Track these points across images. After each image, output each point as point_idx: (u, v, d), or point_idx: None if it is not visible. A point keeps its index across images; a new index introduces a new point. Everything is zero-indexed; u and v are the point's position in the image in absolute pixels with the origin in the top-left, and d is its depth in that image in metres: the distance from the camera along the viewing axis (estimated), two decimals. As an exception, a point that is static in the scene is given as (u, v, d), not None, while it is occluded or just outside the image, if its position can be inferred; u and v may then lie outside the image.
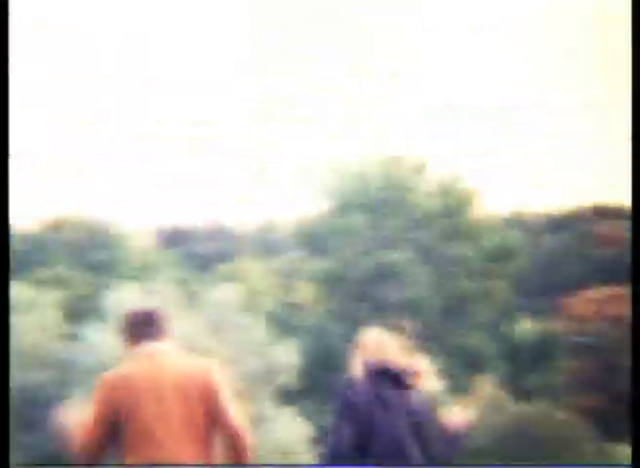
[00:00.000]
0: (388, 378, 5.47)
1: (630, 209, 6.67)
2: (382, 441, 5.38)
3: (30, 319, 28.18)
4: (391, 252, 36.18)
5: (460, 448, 5.61)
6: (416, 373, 5.52)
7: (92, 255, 61.92)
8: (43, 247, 64.69)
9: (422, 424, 5.45)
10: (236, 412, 4.60)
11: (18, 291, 28.99)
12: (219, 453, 4.60)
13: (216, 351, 27.35)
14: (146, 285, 29.59)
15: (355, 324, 33.97)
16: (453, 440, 5.59)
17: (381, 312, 34.48)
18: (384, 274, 35.67)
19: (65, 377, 27.69)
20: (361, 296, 35.56)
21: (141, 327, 4.76)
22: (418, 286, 35.62)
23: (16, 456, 22.42)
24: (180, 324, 28.20)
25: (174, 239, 67.97)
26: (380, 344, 5.57)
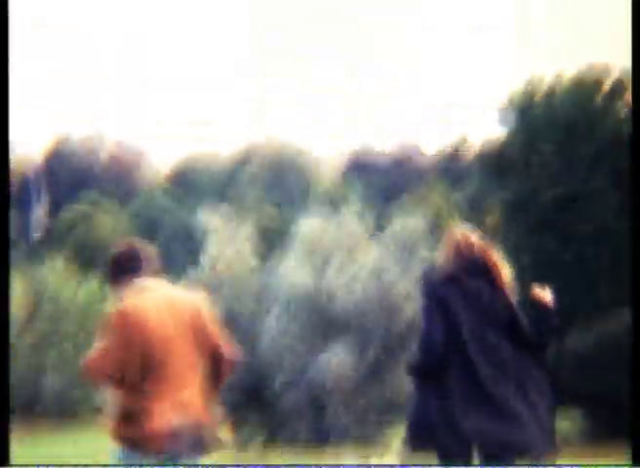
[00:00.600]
0: (475, 272, 5.58)
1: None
2: (468, 333, 5.43)
3: (228, 250, 28.94)
4: (580, 180, 35.35)
5: (555, 324, 5.67)
6: (497, 268, 5.63)
7: (281, 183, 63.09)
8: (234, 174, 66.31)
9: (513, 315, 5.56)
10: (220, 334, 5.21)
11: (211, 221, 29.79)
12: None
13: (399, 283, 27.57)
14: (333, 212, 29.92)
15: (540, 254, 33.54)
16: (547, 315, 5.66)
17: (567, 243, 33.83)
18: (571, 204, 34.92)
19: (259, 308, 28.44)
20: (546, 227, 34.96)
21: (129, 264, 5.14)
22: (606, 215, 34.72)
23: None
24: (366, 254, 28.49)
25: (361, 166, 68.36)
26: (466, 239, 5.70)
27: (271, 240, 34.60)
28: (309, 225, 28.96)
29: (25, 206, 71.55)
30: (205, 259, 29.07)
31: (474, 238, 5.72)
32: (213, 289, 25.97)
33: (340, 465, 5.34)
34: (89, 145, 77.87)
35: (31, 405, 43.78)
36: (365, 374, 26.76)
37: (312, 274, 27.89)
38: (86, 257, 55.51)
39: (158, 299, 5.03)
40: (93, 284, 46.43)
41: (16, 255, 51.95)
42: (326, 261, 28.19)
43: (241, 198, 56.15)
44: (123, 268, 5.14)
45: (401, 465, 5.47)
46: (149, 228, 62.63)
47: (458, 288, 5.51)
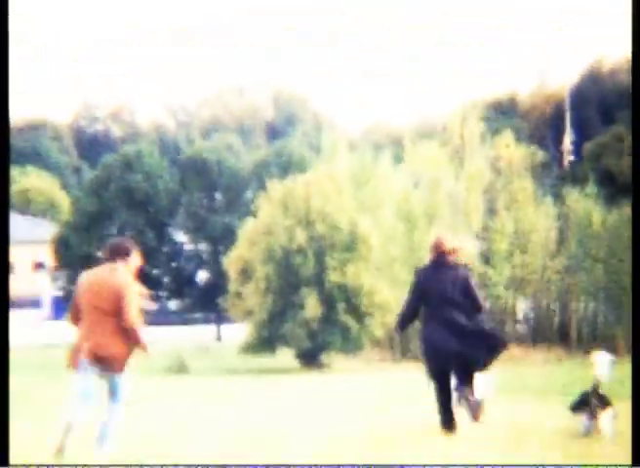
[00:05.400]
0: (444, 263, 9.04)
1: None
2: (435, 294, 8.93)
3: None
4: None
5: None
6: (457, 260, 9.03)
7: None
8: None
9: (466, 285, 8.98)
10: (134, 313, 7.76)
11: None
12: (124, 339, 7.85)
13: None
14: None
15: None
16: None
17: None
18: None
19: None
20: None
21: (112, 251, 8.01)
22: None
23: None
24: None
25: None
26: (439, 242, 9.12)
27: None
28: None
29: (558, 131, 73.43)
30: None
31: (446, 240, 9.11)
32: None
33: (338, 465, 5.81)
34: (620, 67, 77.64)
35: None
36: None
37: None
38: (617, 183, 55.78)
39: (94, 274, 7.97)
40: (623, 209, 46.41)
41: (548, 180, 53.78)
42: None
43: None
44: (107, 254, 8.06)
45: (401, 465, 6.76)
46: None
47: (432, 273, 9.07)
